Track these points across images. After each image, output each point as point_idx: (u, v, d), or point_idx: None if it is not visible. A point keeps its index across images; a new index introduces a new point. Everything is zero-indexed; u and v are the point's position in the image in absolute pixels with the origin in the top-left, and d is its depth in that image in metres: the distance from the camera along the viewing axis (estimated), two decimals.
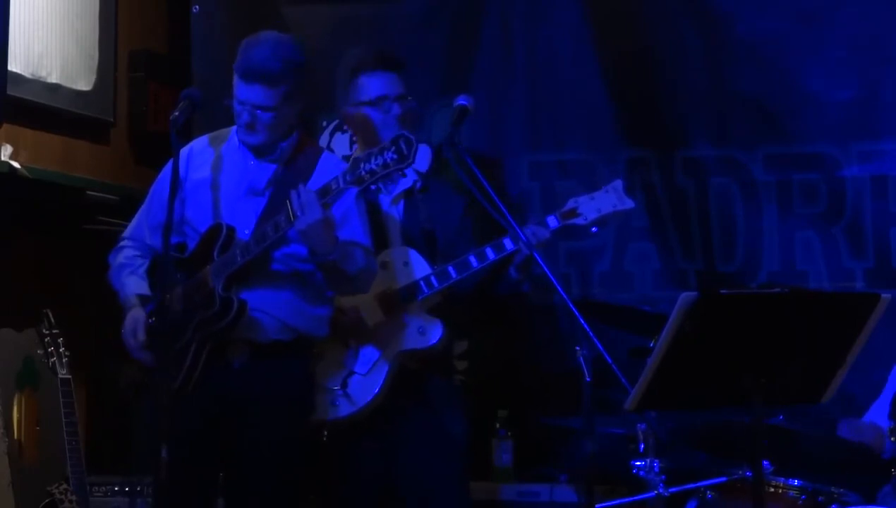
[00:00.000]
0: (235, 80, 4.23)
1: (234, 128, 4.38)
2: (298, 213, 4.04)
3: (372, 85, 4.63)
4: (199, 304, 4.16)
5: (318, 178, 4.23)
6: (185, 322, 4.17)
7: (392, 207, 4.68)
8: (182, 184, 4.29)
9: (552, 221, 4.47)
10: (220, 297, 4.13)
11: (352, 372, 4.52)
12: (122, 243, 4.47)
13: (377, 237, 4.55)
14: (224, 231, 4.19)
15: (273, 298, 4.22)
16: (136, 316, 4.27)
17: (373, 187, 4.58)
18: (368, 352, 4.53)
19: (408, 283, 4.52)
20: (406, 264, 4.54)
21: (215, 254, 4.18)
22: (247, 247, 4.15)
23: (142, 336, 4.22)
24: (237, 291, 4.16)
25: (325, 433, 4.57)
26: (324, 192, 4.07)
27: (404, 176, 4.59)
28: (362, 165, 3.98)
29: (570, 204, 4.49)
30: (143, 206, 4.48)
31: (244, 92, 4.21)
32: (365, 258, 4.25)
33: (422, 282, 4.50)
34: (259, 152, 4.31)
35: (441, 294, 4.52)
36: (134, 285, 4.35)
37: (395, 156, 3.94)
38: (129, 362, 4.34)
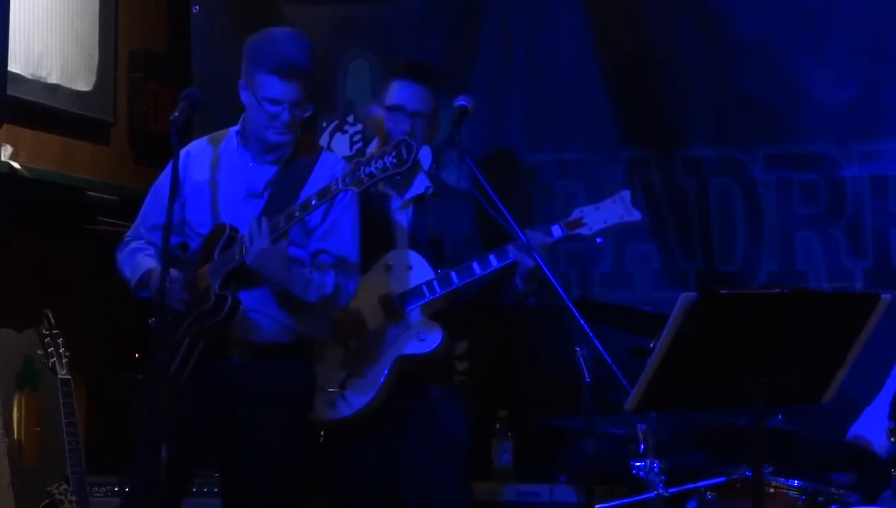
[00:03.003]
0: (266, 79, 4.16)
1: (233, 129, 4.37)
2: (247, 244, 4.06)
3: (397, 92, 4.62)
4: (196, 301, 4.17)
5: (317, 179, 4.23)
6: (182, 317, 4.17)
7: (401, 212, 4.66)
8: (181, 186, 4.28)
9: (556, 231, 4.45)
10: (215, 294, 4.13)
11: (350, 375, 4.52)
12: (126, 239, 4.46)
13: (384, 240, 4.55)
14: (227, 231, 4.19)
15: (272, 299, 4.22)
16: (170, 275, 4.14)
17: (388, 192, 4.60)
18: (367, 355, 4.52)
19: (410, 287, 4.51)
20: (409, 268, 4.53)
21: (217, 253, 4.18)
22: (242, 249, 4.15)
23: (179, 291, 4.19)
24: (235, 290, 4.16)
25: (322, 434, 4.57)
26: (322, 194, 4.07)
27: (397, 178, 4.59)
28: (362, 168, 3.99)
29: (576, 214, 4.47)
30: (141, 209, 4.46)
31: (282, 90, 4.17)
32: (335, 281, 4.22)
33: (424, 287, 4.49)
34: (262, 153, 4.30)
35: (443, 299, 4.52)
36: (150, 263, 4.31)
37: (394, 161, 3.95)
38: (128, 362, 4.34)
